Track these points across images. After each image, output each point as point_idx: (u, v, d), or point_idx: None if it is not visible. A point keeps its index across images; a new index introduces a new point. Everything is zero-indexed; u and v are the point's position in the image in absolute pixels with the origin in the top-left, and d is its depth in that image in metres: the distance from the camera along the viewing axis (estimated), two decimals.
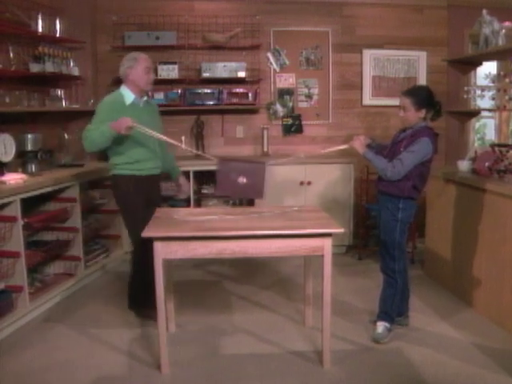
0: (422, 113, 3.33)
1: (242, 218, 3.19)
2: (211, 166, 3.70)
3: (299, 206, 3.56)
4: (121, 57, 5.39)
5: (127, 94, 3.63)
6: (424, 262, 4.94)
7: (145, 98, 3.73)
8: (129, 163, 3.60)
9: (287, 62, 5.74)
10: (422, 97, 3.34)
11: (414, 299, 4.19)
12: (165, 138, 3.53)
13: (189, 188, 3.76)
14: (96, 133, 3.43)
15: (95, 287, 4.58)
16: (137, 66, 3.59)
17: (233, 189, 3.26)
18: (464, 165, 4.33)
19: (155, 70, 5.46)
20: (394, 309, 3.49)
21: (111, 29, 5.49)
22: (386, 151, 3.45)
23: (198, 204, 5.26)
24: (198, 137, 5.54)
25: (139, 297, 3.75)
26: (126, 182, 3.63)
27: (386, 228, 3.43)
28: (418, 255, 5.22)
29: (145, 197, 3.65)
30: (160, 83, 5.48)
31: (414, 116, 3.34)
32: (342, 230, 2.94)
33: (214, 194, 3.35)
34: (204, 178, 5.31)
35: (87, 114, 5.38)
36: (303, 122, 5.83)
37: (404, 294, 3.61)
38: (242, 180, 3.24)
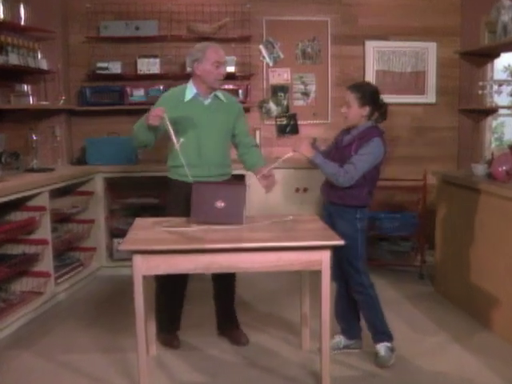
0: (366, 110, 3.39)
1: (231, 229, 3.19)
2: None
3: (295, 216, 3.57)
4: (95, 48, 5.54)
5: (189, 89, 3.61)
6: (434, 277, 4.97)
7: (213, 94, 3.63)
8: (177, 167, 3.56)
9: (281, 56, 5.78)
10: (367, 93, 3.40)
11: (423, 319, 4.22)
12: (174, 138, 3.39)
13: (273, 182, 3.62)
14: (136, 126, 3.56)
15: (67, 307, 4.56)
16: (204, 61, 3.50)
17: (209, 214, 3.26)
18: (479, 169, 4.36)
19: (134, 64, 5.51)
20: (385, 324, 3.51)
21: (84, 17, 5.51)
22: (330, 156, 3.49)
23: None
24: None
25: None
26: (172, 187, 3.66)
27: (346, 241, 3.42)
28: (427, 270, 5.24)
29: None
30: (140, 79, 5.50)
31: (357, 113, 3.39)
32: (341, 243, 2.96)
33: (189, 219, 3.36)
34: None
35: (58, 113, 5.42)
36: (299, 122, 5.87)
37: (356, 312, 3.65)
38: (220, 204, 3.26)
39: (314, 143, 3.56)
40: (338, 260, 3.49)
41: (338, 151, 3.47)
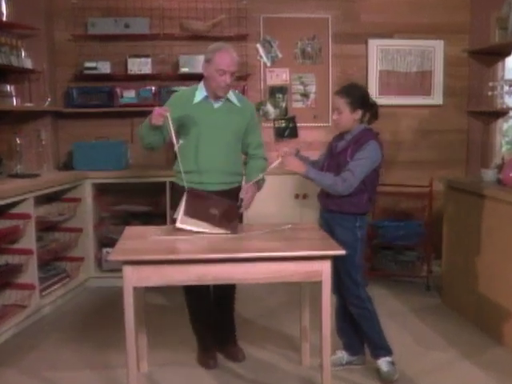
0: (358, 114, 3.42)
1: (227, 238, 3.21)
2: None
3: (294, 224, 3.59)
4: (83, 47, 5.55)
5: (200, 91, 3.61)
6: (441, 288, 4.98)
7: (226, 98, 3.60)
8: (183, 172, 3.50)
9: (280, 55, 5.80)
10: (357, 96, 3.43)
11: (430, 333, 4.23)
12: (174, 139, 3.42)
13: (250, 199, 3.62)
14: (141, 126, 3.58)
15: (53, 321, 4.56)
16: (211, 64, 3.48)
17: (203, 216, 3.28)
18: (489, 174, 4.39)
19: (124, 64, 5.52)
20: (383, 338, 3.52)
21: (71, 14, 5.51)
22: (326, 164, 3.52)
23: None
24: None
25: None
26: (177, 193, 3.65)
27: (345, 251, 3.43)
28: (434, 281, 5.26)
29: None
30: (130, 79, 5.51)
31: (349, 118, 3.42)
32: (343, 252, 2.96)
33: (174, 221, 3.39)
34: None
35: (43, 115, 5.41)
36: (298, 125, 5.88)
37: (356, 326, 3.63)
38: (214, 211, 3.28)
39: (298, 154, 3.56)
40: (337, 271, 3.50)
41: (333, 158, 3.49)
